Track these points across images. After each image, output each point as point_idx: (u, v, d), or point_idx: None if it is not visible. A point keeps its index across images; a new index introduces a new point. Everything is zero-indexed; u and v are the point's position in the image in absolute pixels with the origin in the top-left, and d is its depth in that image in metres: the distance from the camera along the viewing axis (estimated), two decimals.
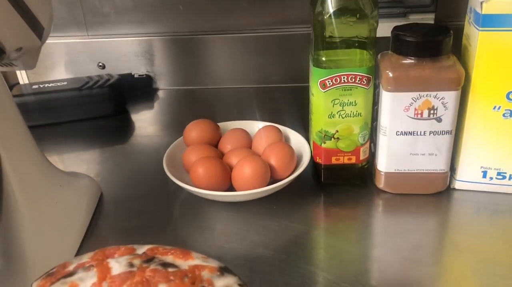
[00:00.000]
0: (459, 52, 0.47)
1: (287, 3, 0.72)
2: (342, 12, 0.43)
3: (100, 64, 0.76)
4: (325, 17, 0.43)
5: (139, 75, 0.76)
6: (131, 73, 0.75)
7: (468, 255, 0.41)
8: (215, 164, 0.46)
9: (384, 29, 0.61)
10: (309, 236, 0.45)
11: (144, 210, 0.49)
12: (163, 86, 0.78)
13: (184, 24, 0.75)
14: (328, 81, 0.45)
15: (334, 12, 0.43)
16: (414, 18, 0.64)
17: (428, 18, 0.64)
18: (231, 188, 0.48)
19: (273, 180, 0.48)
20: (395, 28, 0.45)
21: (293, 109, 0.67)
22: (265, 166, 0.46)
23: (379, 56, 0.47)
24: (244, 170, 0.46)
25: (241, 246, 0.43)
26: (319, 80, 0.45)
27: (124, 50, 0.76)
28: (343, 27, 0.43)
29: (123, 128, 0.68)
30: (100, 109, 0.68)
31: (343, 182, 0.50)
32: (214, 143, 0.53)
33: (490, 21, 0.41)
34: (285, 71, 0.75)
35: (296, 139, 0.53)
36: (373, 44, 0.45)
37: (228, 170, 0.47)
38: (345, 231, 0.45)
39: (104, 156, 0.60)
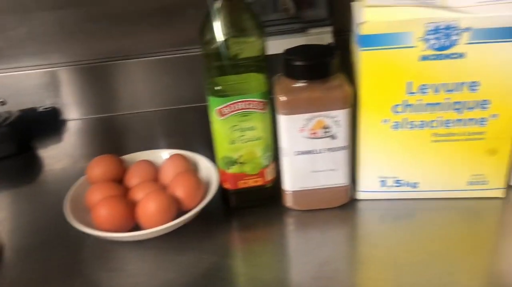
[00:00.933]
0: (351, 66, 0.49)
1: (192, 23, 0.72)
2: (230, 39, 0.43)
3: (0, 100, 0.72)
4: (214, 46, 0.43)
5: (44, 109, 0.72)
6: (34, 108, 0.72)
7: (376, 264, 0.43)
8: (117, 203, 0.45)
9: (284, 45, 0.62)
10: (222, 266, 0.44)
11: (49, 258, 0.47)
12: (72, 117, 0.75)
13: (88, 51, 0.73)
14: (225, 109, 0.45)
15: (223, 41, 0.43)
16: (314, 31, 0.66)
17: (326, 32, 0.66)
18: (137, 226, 0.47)
19: (182, 212, 0.48)
20: (285, 52, 0.46)
21: (206, 130, 0.67)
22: (169, 200, 0.45)
23: (274, 79, 0.48)
24: (148, 206, 0.45)
25: (152, 286, 0.43)
26: (216, 109, 0.46)
27: (26, 83, 0.73)
28: (233, 55, 0.44)
29: (28, 168, 0.65)
30: (1, 150, 0.64)
31: (253, 204, 0.51)
32: (119, 178, 0.51)
33: (369, 41, 0.43)
34: (196, 90, 0.74)
35: (205, 165, 0.53)
36: (265, 67, 0.46)
37: (132, 207, 0.46)
38: (257, 255, 0.46)
39: (6, 202, 0.57)
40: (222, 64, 0.44)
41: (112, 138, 0.71)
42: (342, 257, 0.45)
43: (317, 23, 0.66)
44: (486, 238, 0.45)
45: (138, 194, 0.48)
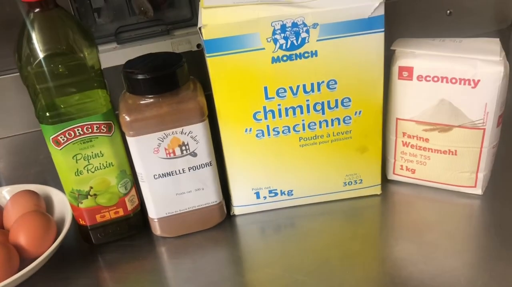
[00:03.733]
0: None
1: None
2: (51, 57, 0.37)
3: None
4: (34, 66, 0.37)
5: None
6: None
7: (260, 286, 0.40)
8: None
9: (148, 50, 0.57)
10: None
11: None
12: None
13: None
14: (61, 137, 0.39)
15: (43, 58, 0.36)
16: (179, 33, 0.61)
17: (193, 32, 0.61)
18: None
19: (30, 261, 0.41)
20: (125, 65, 0.40)
21: None
22: (5, 252, 0.38)
23: (120, 96, 0.42)
24: None
25: None
26: (51, 138, 0.39)
27: None
28: (58, 73, 0.37)
29: None
30: None
31: (119, 237, 0.45)
32: None
33: (214, 46, 0.38)
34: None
35: (59, 199, 0.46)
36: (101, 82, 0.40)
37: None
38: None
39: None
40: (47, 86, 0.37)
41: None
42: (216, 285, 0.40)
43: (182, 23, 0.61)
44: (366, 240, 0.43)
45: None
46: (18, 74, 0.62)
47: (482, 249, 0.41)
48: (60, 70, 0.38)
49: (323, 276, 0.39)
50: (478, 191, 0.45)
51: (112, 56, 0.60)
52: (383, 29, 0.39)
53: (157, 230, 0.45)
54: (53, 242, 0.41)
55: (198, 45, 0.62)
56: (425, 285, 0.37)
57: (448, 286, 0.37)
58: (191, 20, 0.61)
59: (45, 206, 0.46)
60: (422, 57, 0.42)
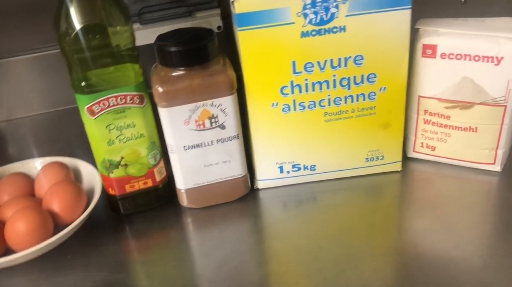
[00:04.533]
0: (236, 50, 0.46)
1: None
2: (89, 28, 0.38)
3: None
4: (72, 37, 0.38)
5: None
6: None
7: (278, 256, 0.41)
8: None
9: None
10: (111, 282, 0.39)
11: None
12: None
13: None
14: (96, 107, 0.40)
15: (81, 29, 0.38)
16: (201, 15, 0.62)
17: (214, 14, 0.62)
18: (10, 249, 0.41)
19: (62, 227, 0.42)
20: (158, 38, 0.42)
21: None
22: (41, 217, 0.40)
23: (152, 69, 0.44)
24: (17, 226, 0.39)
25: None
26: (85, 107, 0.40)
27: None
28: (95, 44, 0.38)
29: None
30: None
31: (147, 208, 0.46)
32: None
33: (245, 20, 0.39)
34: None
35: (88, 171, 0.48)
36: (134, 57, 0.41)
37: (2, 229, 0.40)
38: (152, 265, 0.41)
39: None
40: (83, 57, 0.38)
41: None
42: (242, 254, 0.41)
43: (203, 5, 0.62)
44: (388, 213, 0.44)
45: (7, 213, 0.41)
46: (40, 54, 0.66)
47: (501, 222, 0.42)
48: (95, 42, 0.39)
49: (347, 243, 0.40)
50: (497, 168, 0.46)
51: (136, 36, 0.61)
52: (410, 6, 0.40)
53: (184, 201, 0.46)
54: (84, 211, 0.43)
55: (219, 27, 0.63)
56: (448, 253, 0.38)
57: (470, 254, 0.38)
58: (212, 2, 0.62)
59: (74, 177, 0.47)
60: (446, 35, 0.43)
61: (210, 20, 0.63)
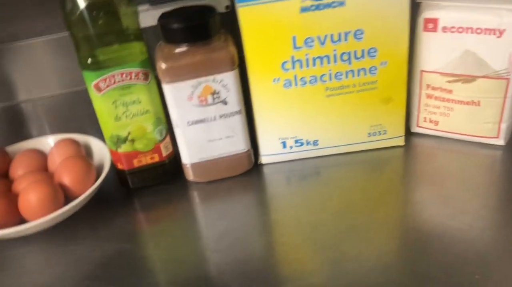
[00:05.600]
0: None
1: None
2: (94, 6, 0.39)
3: None
4: (78, 15, 0.39)
5: None
6: None
7: (280, 227, 0.42)
8: None
9: None
10: (120, 252, 0.41)
11: None
12: None
13: None
14: (102, 83, 0.42)
15: (86, 7, 0.39)
16: None
17: None
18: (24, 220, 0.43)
19: (73, 199, 0.44)
20: (161, 16, 0.43)
21: None
22: (52, 189, 0.41)
23: (156, 47, 0.45)
24: (29, 198, 0.41)
25: (38, 284, 0.39)
26: (92, 84, 0.42)
27: None
28: (100, 23, 0.40)
29: None
30: None
31: (154, 182, 0.48)
32: (3, 171, 0.47)
33: None
34: None
35: (98, 147, 0.49)
36: (139, 35, 0.42)
37: (14, 201, 0.42)
38: (158, 236, 0.43)
39: None
40: (89, 34, 0.40)
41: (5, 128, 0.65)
42: (244, 225, 0.43)
43: None
44: (389, 187, 0.45)
45: (21, 186, 0.43)
46: (56, 37, 0.68)
47: (502, 194, 0.42)
48: (100, 20, 0.40)
49: (348, 215, 0.41)
50: (501, 141, 0.46)
51: (146, 16, 0.62)
52: None
53: (190, 175, 0.47)
54: (94, 184, 0.45)
55: (227, 7, 0.63)
56: (445, 224, 0.39)
57: (467, 225, 0.38)
58: None
59: (85, 153, 0.49)
60: (447, 9, 0.42)
61: (219, 0, 0.64)
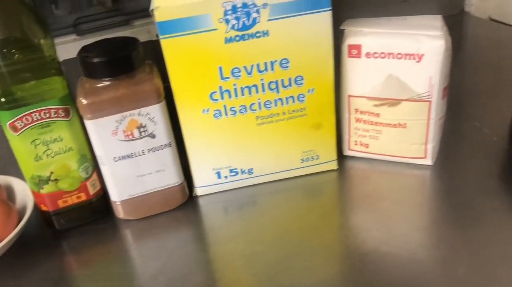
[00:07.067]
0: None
1: None
2: (6, 42, 0.37)
3: None
4: None
5: None
6: None
7: (217, 262, 0.41)
8: None
9: None
10: None
11: None
12: None
13: None
14: (19, 123, 0.39)
15: None
16: (138, 23, 0.61)
17: (153, 22, 0.61)
18: None
19: None
20: (81, 50, 0.41)
21: None
22: None
23: (78, 81, 0.43)
24: None
25: None
26: (7, 124, 0.39)
27: None
28: (12, 59, 0.37)
29: None
30: None
31: (82, 222, 0.45)
32: None
33: (167, 28, 0.39)
34: None
35: (20, 187, 0.46)
36: (58, 69, 0.40)
37: None
38: (87, 280, 0.40)
39: None
40: (2, 72, 0.37)
41: None
42: (178, 263, 0.41)
43: (140, 13, 0.61)
44: (324, 212, 0.45)
45: None
46: None
47: (431, 214, 0.43)
48: (14, 56, 0.38)
49: (281, 246, 0.41)
50: (428, 161, 0.47)
51: (72, 47, 0.60)
52: (330, 8, 0.40)
53: (120, 213, 0.45)
54: (15, 228, 0.42)
55: (157, 35, 0.62)
56: (378, 249, 0.39)
57: (400, 249, 0.39)
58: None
59: (6, 195, 0.46)
60: (370, 35, 0.44)
61: (149, 27, 0.63)
